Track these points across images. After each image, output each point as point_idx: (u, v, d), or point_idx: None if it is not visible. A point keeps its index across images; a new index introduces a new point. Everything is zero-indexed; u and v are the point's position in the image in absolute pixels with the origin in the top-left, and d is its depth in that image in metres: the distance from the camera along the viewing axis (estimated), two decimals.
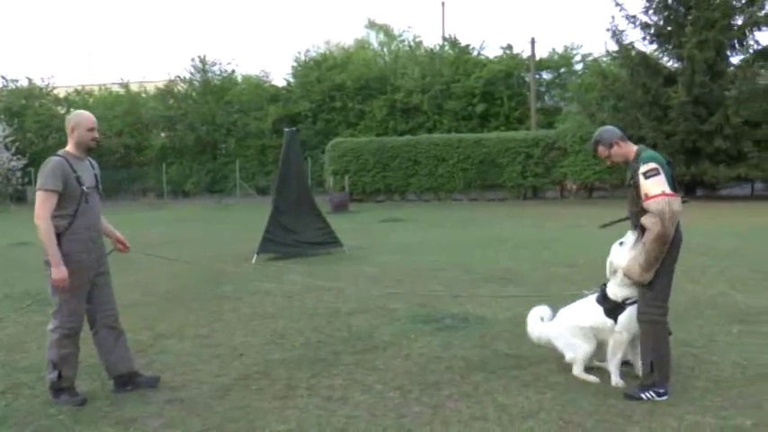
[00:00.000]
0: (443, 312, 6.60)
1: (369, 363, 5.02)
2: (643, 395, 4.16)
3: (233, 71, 37.33)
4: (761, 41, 21.28)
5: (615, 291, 4.46)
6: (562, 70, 34.63)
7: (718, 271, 8.50)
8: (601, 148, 4.49)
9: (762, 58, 21.13)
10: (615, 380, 4.44)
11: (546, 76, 34.77)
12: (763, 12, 20.83)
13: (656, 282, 4.21)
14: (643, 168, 4.17)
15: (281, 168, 11.34)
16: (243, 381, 4.69)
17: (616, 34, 22.79)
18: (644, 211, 4.23)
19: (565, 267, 9.21)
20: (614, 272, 4.47)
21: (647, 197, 4.13)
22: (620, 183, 22.96)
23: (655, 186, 4.11)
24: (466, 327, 6.04)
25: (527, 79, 33.35)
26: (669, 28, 22.06)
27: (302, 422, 3.91)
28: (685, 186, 22.46)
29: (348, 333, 5.94)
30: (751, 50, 21.39)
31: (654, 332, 4.21)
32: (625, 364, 4.64)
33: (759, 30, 21.16)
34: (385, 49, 42.95)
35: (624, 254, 4.40)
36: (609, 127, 4.60)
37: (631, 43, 22.74)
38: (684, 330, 5.50)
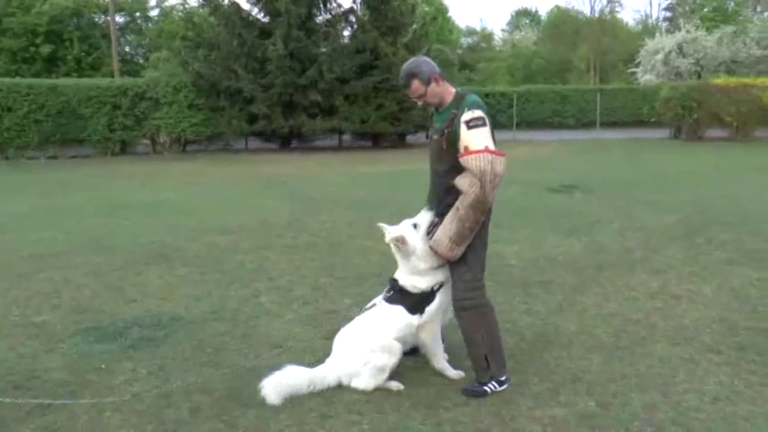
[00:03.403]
0: (120, 318, 4.86)
1: (65, 430, 3.18)
2: (487, 388, 3.50)
3: None
4: (343, 4, 22.68)
5: (414, 281, 3.58)
6: (137, 14, 31.95)
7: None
8: (416, 84, 3.48)
9: (344, 20, 22.51)
10: (452, 373, 3.68)
11: (119, 19, 31.56)
12: None
13: (471, 258, 3.47)
14: (467, 115, 3.33)
15: None
16: None
17: None
18: (453, 171, 3.42)
19: (220, 235, 8.02)
20: (405, 254, 3.57)
21: (467, 151, 3.31)
22: (214, 135, 22.21)
23: (479, 139, 3.31)
24: (167, 335, 4.50)
25: (97, 20, 29.80)
26: None
27: None
28: (282, 138, 22.94)
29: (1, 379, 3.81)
30: (336, 12, 22.54)
31: (482, 317, 3.52)
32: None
33: None
34: None
35: (419, 239, 3.54)
36: (426, 59, 3.60)
37: None
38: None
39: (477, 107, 3.37)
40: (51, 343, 4.36)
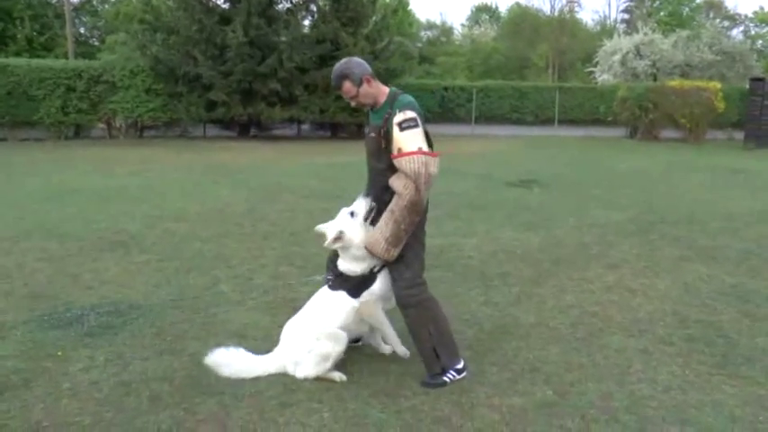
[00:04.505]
0: (76, 304, 4.76)
1: (19, 419, 3.11)
2: (446, 378, 3.54)
3: None
4: None
5: (352, 267, 3.61)
6: None
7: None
8: (348, 85, 3.49)
9: (305, 9, 22.33)
10: (401, 350, 3.75)
11: None
12: None
13: (409, 256, 3.52)
14: (399, 117, 3.37)
15: None
16: None
17: None
18: (391, 169, 3.47)
19: (178, 222, 7.90)
20: (345, 247, 3.59)
21: (401, 153, 3.35)
22: (172, 121, 21.83)
23: (411, 141, 3.35)
24: (125, 322, 4.42)
25: (51, 0, 28.91)
26: None
27: None
28: (240, 126, 22.67)
29: None
30: (297, 1, 22.31)
31: (427, 312, 3.56)
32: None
33: None
34: None
35: (357, 227, 3.56)
36: (357, 59, 3.59)
37: None
38: None
39: (410, 108, 3.41)
40: (4, 330, 4.25)
